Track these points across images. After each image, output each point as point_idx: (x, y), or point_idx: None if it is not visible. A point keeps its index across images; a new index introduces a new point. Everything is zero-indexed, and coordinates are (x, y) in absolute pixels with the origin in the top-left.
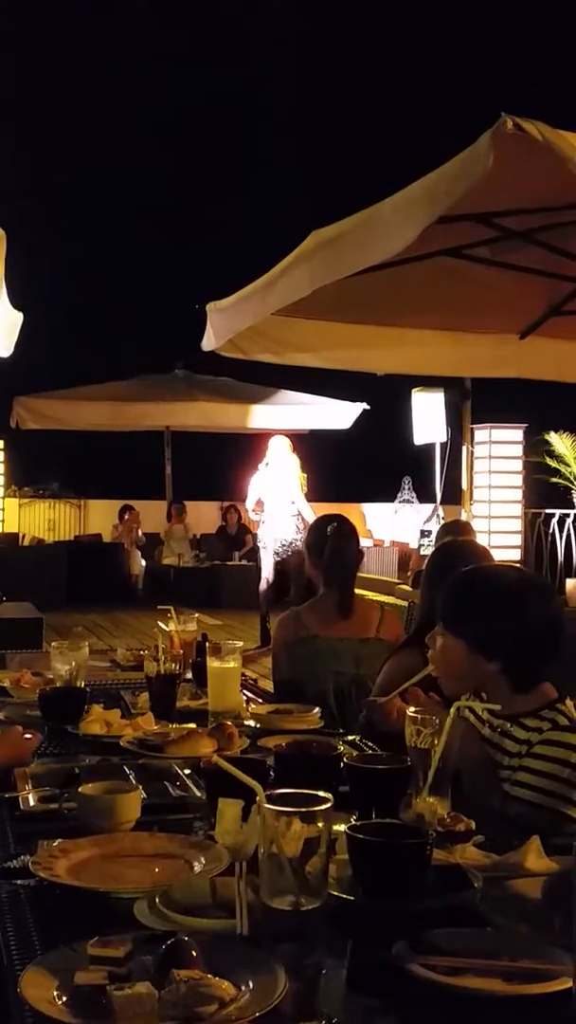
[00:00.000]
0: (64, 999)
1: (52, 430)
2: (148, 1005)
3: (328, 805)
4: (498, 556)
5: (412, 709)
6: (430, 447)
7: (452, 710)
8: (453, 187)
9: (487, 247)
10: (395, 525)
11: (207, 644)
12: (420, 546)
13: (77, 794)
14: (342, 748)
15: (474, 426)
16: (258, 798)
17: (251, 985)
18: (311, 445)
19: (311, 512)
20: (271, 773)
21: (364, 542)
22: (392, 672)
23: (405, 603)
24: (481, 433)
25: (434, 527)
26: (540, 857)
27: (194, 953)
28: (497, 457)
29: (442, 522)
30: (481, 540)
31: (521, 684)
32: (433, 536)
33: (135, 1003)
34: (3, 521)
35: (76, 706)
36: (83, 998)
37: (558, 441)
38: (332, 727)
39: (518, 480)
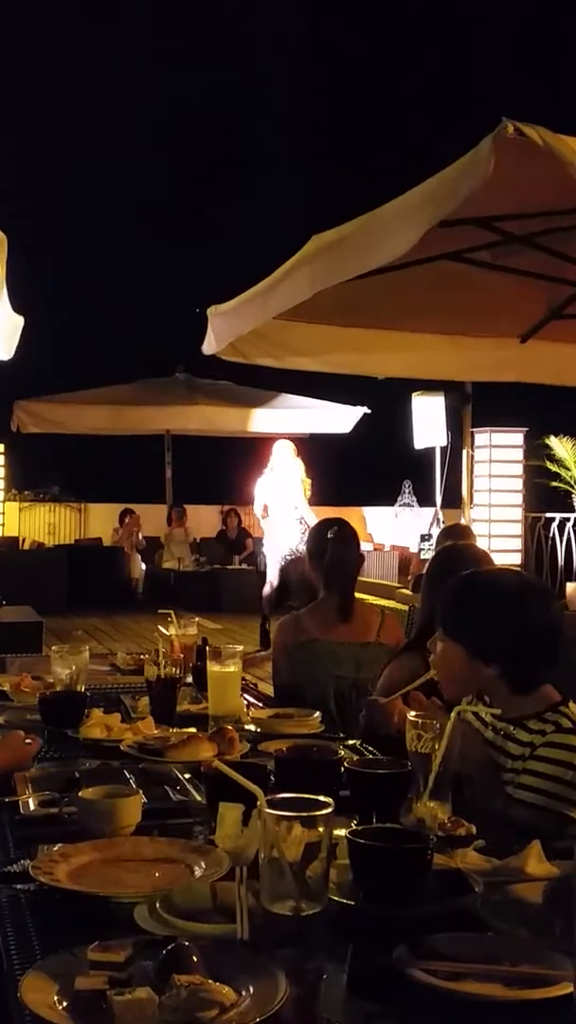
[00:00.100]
0: (64, 1004)
1: (53, 434)
2: (148, 1010)
3: (329, 810)
4: (498, 560)
5: (413, 714)
6: (430, 451)
7: (453, 714)
8: (454, 191)
9: (488, 251)
10: (395, 529)
11: (207, 648)
12: (420, 550)
13: (77, 798)
14: (343, 752)
15: (474, 430)
16: (259, 803)
17: (252, 990)
18: (312, 449)
19: (314, 517)
20: (272, 777)
21: (364, 546)
22: (392, 676)
23: (405, 607)
24: (481, 437)
25: (434, 531)
26: (541, 862)
27: (194, 958)
28: (497, 461)
29: (442, 526)
30: (481, 544)
31: (521, 687)
32: (433, 540)
33: (135, 1008)
34: (3, 525)
35: (76, 710)
36: (83, 1003)
37: (558, 445)
38: (332, 731)
39: (518, 484)
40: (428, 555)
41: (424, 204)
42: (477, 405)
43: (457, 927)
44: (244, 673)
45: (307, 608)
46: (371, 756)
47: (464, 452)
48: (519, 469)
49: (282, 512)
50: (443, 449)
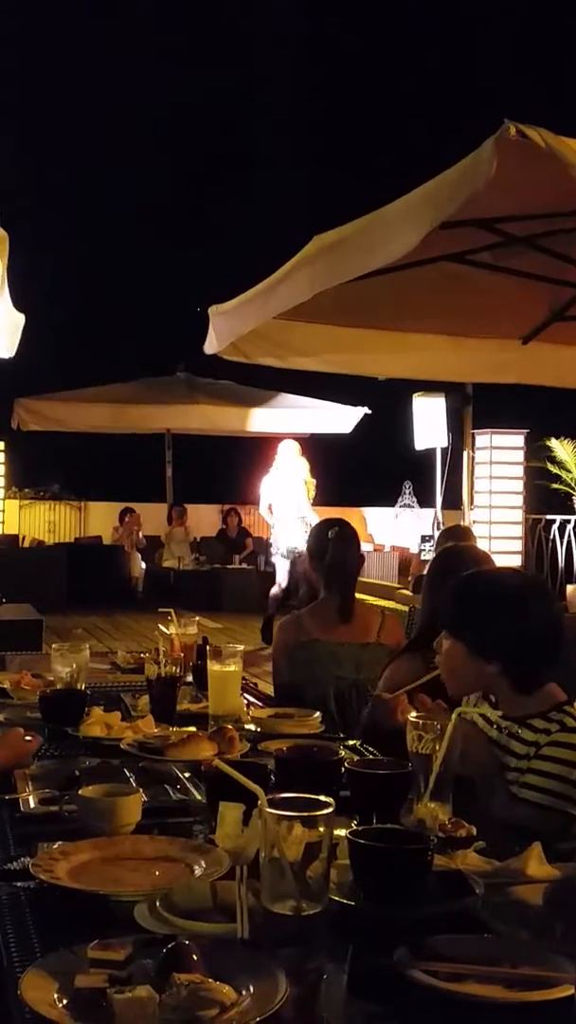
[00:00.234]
0: (64, 1002)
1: (53, 432)
2: (149, 1009)
3: (330, 810)
4: (499, 562)
5: (414, 715)
6: (431, 452)
7: (453, 715)
8: (456, 193)
9: (489, 252)
10: (396, 530)
11: (208, 647)
12: (421, 551)
13: (77, 796)
14: (343, 753)
15: (475, 431)
16: (259, 802)
17: (252, 990)
18: (312, 449)
19: (316, 517)
20: (272, 777)
21: (365, 546)
22: (392, 677)
23: (406, 608)
24: (482, 438)
25: (434, 532)
26: (541, 863)
27: (195, 957)
28: (498, 463)
29: (441, 527)
30: (482, 545)
31: (523, 686)
32: (434, 541)
33: (135, 1007)
34: (3, 523)
35: (76, 708)
36: (83, 1001)
37: (559, 447)
38: (333, 732)
39: (519, 486)
40: (429, 556)
41: (425, 205)
42: (478, 406)
43: (457, 928)
44: (244, 672)
45: (308, 608)
46: (371, 756)
47: (465, 453)
48: (520, 471)
49: (287, 512)
50: (444, 450)
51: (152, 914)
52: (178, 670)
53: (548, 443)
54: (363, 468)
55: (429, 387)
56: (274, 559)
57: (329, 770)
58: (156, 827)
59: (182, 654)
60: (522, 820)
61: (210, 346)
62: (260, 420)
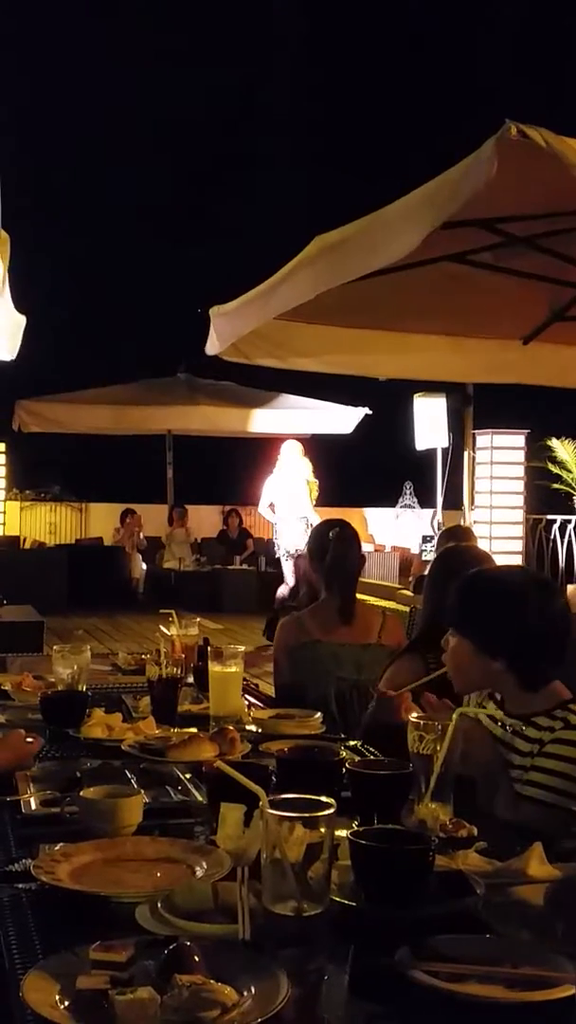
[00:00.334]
0: (66, 1004)
1: (54, 433)
2: (150, 1010)
3: (331, 811)
4: (499, 562)
5: (414, 715)
6: (432, 452)
7: (455, 715)
8: (457, 193)
9: (490, 253)
10: (397, 530)
11: (209, 648)
12: (422, 551)
13: (79, 798)
14: (344, 753)
15: (476, 431)
16: (261, 803)
17: (253, 991)
18: (313, 449)
19: (317, 517)
20: (273, 778)
21: (366, 547)
22: (393, 677)
23: (407, 608)
24: (483, 439)
25: (435, 532)
26: (542, 864)
27: (196, 958)
28: (499, 463)
29: (441, 528)
30: (482, 546)
31: (529, 683)
32: (435, 541)
33: (137, 1008)
34: (4, 524)
35: (78, 710)
36: (85, 1003)
37: (560, 447)
38: (334, 732)
39: (520, 486)
40: (430, 556)
41: (427, 205)
42: (479, 407)
43: (459, 929)
44: (245, 673)
45: (308, 609)
46: (373, 757)
47: (465, 454)
48: (520, 471)
49: (289, 512)
50: (444, 451)
51: (153, 915)
52: (179, 671)
53: (549, 443)
54: (364, 468)
55: (430, 387)
56: (280, 558)
57: (330, 771)
58: (157, 828)
59: (183, 655)
60: (526, 818)
61: (211, 347)
62: (261, 421)
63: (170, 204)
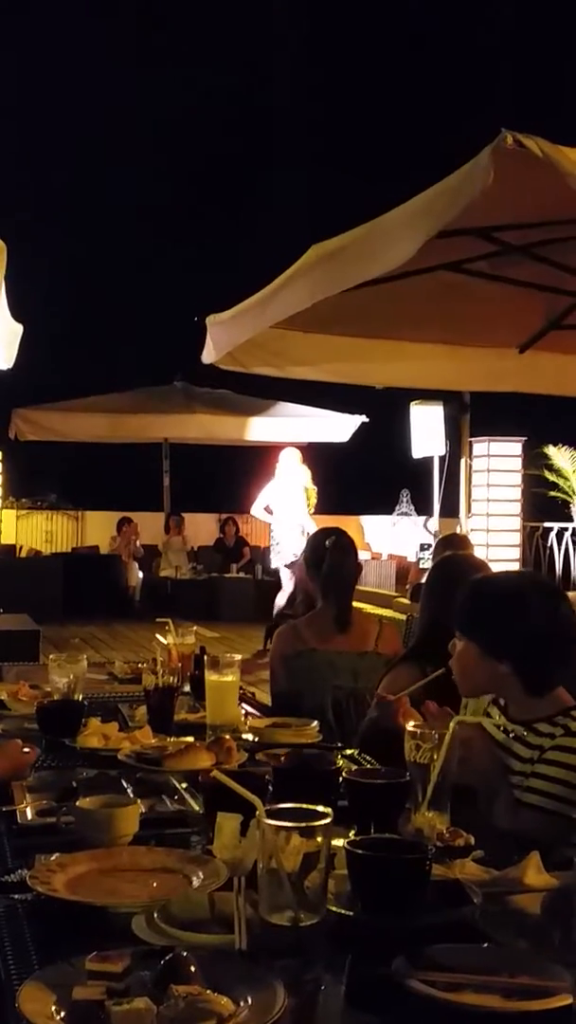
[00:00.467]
0: (62, 1014)
1: (50, 441)
2: (147, 1020)
3: (327, 820)
4: (497, 569)
5: (411, 724)
6: (428, 460)
7: (452, 724)
8: (453, 202)
9: (487, 261)
10: (393, 538)
11: (205, 657)
12: (419, 559)
13: (75, 808)
14: (341, 762)
15: (472, 439)
16: (257, 813)
17: (250, 1001)
18: (310, 457)
19: (314, 525)
20: (270, 787)
21: (362, 555)
22: (390, 686)
23: (403, 616)
24: (479, 446)
25: (430, 540)
26: (540, 872)
27: (192, 968)
28: (495, 470)
29: (437, 536)
30: (479, 553)
31: (534, 687)
32: (431, 549)
33: (133, 1018)
34: (0, 533)
35: (74, 719)
36: (81, 1013)
37: (557, 454)
38: (331, 741)
39: (516, 493)
40: (427, 564)
41: (423, 214)
42: (475, 414)
43: (455, 938)
44: (241, 682)
45: (305, 617)
46: (369, 766)
47: (462, 461)
48: (517, 479)
49: (286, 519)
50: (441, 458)
51: (150, 926)
52: (175, 680)
53: (545, 451)
54: (361, 476)
55: (426, 395)
56: (277, 567)
57: (327, 780)
58: (154, 838)
59: (179, 664)
60: (525, 825)
61: (207, 355)
62: (257, 429)
63: (167, 212)
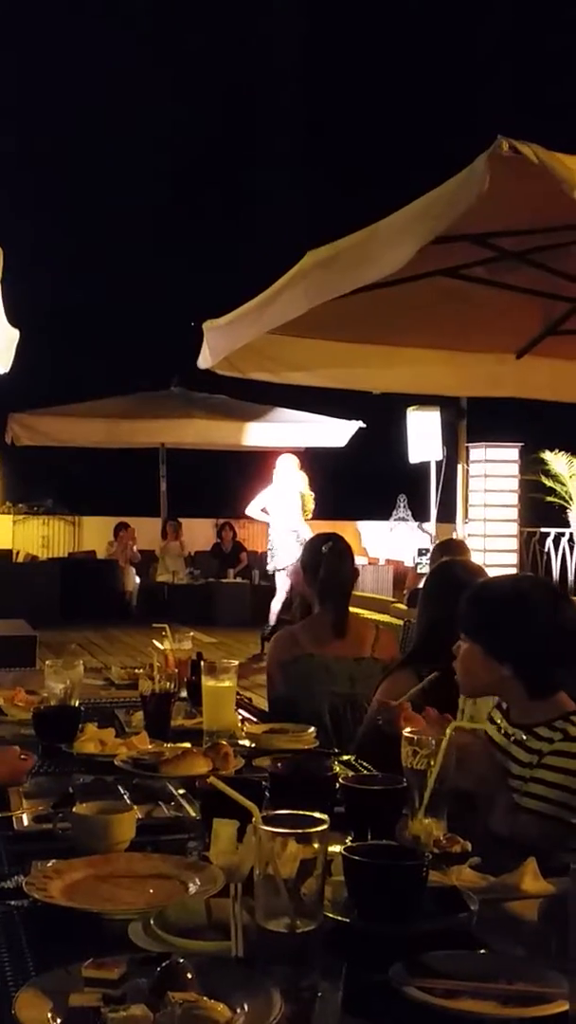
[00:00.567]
0: (58, 1021)
1: (47, 446)
2: None
3: (324, 826)
4: (494, 575)
5: (408, 730)
6: (425, 465)
7: (448, 730)
8: (449, 208)
9: (484, 267)
10: (390, 543)
11: (202, 663)
12: (417, 564)
13: (71, 814)
14: (338, 768)
15: (469, 445)
16: (254, 819)
17: (246, 1008)
18: (307, 463)
19: (308, 531)
20: (266, 793)
21: (359, 560)
22: (387, 692)
23: (400, 622)
24: (476, 452)
25: (428, 545)
26: (536, 879)
27: (189, 975)
28: (492, 476)
29: (434, 539)
30: (477, 559)
31: (535, 690)
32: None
33: None
34: None
35: (70, 725)
36: (77, 1020)
37: (553, 460)
38: (327, 747)
39: (513, 499)
40: (425, 569)
41: (419, 220)
42: (472, 420)
43: (452, 945)
44: (237, 687)
45: (301, 623)
46: (366, 772)
47: (459, 467)
48: (514, 484)
49: (283, 524)
50: (438, 464)
51: (146, 932)
52: (172, 686)
53: (542, 456)
54: (358, 482)
55: (423, 401)
56: (273, 572)
57: (324, 786)
58: (150, 844)
59: (176, 669)
60: (523, 830)
61: (204, 361)
62: (254, 434)
63: (164, 217)
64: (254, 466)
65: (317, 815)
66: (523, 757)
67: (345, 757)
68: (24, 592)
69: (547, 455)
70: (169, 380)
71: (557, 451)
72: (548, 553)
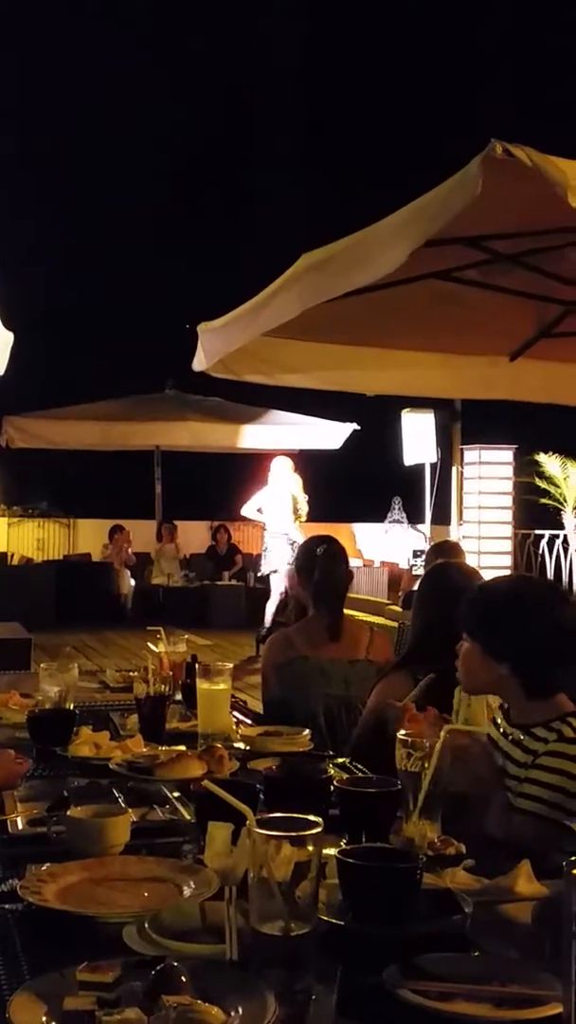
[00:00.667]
0: None
1: (41, 449)
2: None
3: (318, 829)
4: (488, 577)
5: (402, 732)
6: (420, 468)
7: (442, 732)
8: (442, 210)
9: (477, 270)
10: (385, 545)
11: (197, 666)
12: (412, 566)
13: (66, 817)
14: (332, 771)
15: (464, 447)
16: (248, 822)
17: (241, 1011)
18: (301, 465)
19: (299, 534)
20: (261, 796)
21: (354, 562)
22: (382, 694)
23: (395, 624)
24: (471, 454)
25: (423, 546)
26: (530, 881)
27: (183, 978)
28: (487, 478)
29: (428, 540)
30: (471, 561)
31: (533, 690)
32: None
33: None
34: None
35: (65, 728)
36: None
37: (547, 462)
38: (322, 749)
39: (508, 501)
40: (420, 571)
41: (412, 223)
42: (466, 422)
43: (446, 947)
44: (233, 690)
45: (296, 625)
46: (361, 774)
47: (454, 469)
48: (508, 486)
49: (277, 527)
50: (433, 466)
51: (141, 936)
52: (167, 689)
53: (536, 458)
54: (352, 484)
55: (418, 403)
56: (267, 574)
57: (318, 789)
58: (145, 847)
59: (171, 672)
60: (518, 832)
61: (198, 363)
62: (249, 436)
63: (159, 220)
64: (249, 468)
65: (311, 818)
66: (520, 757)
67: (340, 759)
68: (19, 595)
69: (541, 457)
70: (164, 382)
71: (551, 453)
72: (542, 555)
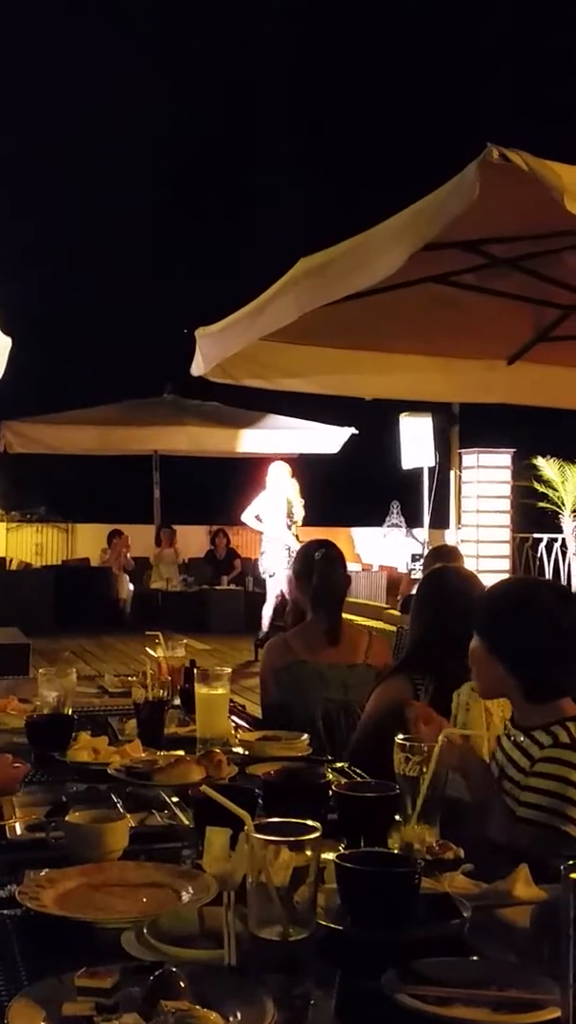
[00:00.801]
0: None
1: (40, 454)
2: None
3: (317, 834)
4: (487, 581)
5: (400, 736)
6: (418, 472)
7: (440, 737)
8: (440, 215)
9: (474, 274)
10: (384, 549)
11: (195, 670)
12: (411, 570)
13: (64, 823)
14: (330, 776)
15: (462, 451)
16: (246, 827)
17: (239, 1016)
18: (300, 469)
19: (293, 539)
20: (259, 801)
21: (352, 566)
22: (380, 698)
23: (394, 628)
24: (469, 458)
25: (421, 550)
26: (528, 885)
27: (182, 984)
28: (485, 482)
29: (425, 545)
30: (470, 565)
31: (534, 692)
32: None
33: None
34: None
35: (63, 733)
36: None
37: (546, 466)
38: (321, 753)
39: (506, 505)
40: (418, 575)
41: (410, 227)
42: (464, 426)
43: (445, 951)
44: (232, 694)
45: (294, 630)
46: (359, 779)
47: (452, 473)
48: (507, 490)
49: (274, 532)
50: (431, 470)
51: (139, 941)
52: (165, 693)
53: (534, 462)
54: (350, 488)
55: (416, 407)
56: (265, 579)
57: (316, 793)
58: (143, 853)
59: (169, 677)
60: (519, 837)
61: (197, 368)
62: (247, 441)
63: (157, 224)
64: (247, 473)
65: (310, 823)
66: (521, 761)
67: (338, 764)
68: (17, 600)
69: (539, 461)
70: (162, 387)
71: (549, 457)
72: (541, 558)
